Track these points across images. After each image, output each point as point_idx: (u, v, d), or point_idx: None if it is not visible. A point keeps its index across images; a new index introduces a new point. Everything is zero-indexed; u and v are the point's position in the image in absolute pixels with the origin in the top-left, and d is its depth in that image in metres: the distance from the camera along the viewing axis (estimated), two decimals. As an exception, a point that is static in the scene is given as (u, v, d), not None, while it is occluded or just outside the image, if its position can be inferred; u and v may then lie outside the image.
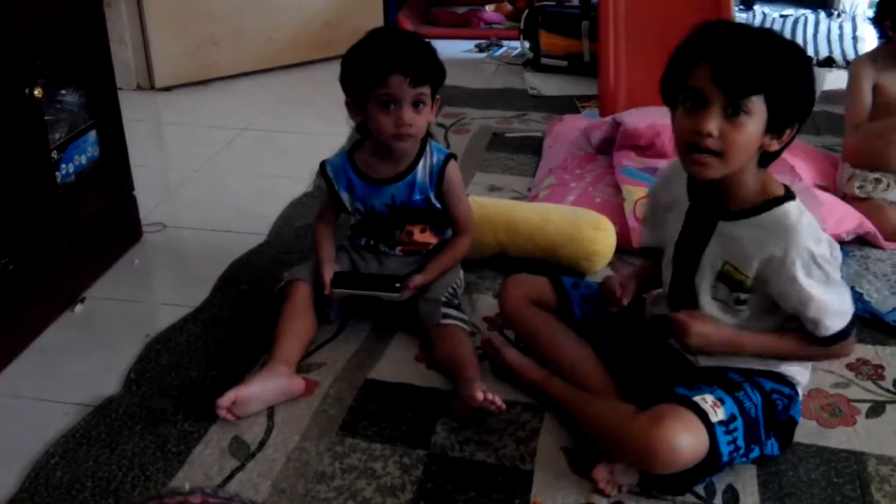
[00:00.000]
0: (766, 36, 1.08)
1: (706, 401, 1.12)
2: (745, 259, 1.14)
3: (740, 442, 1.13)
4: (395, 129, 1.41)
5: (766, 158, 1.13)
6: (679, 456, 1.09)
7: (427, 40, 1.47)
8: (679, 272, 1.23)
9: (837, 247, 1.15)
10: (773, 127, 1.08)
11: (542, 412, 1.32)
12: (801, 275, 1.10)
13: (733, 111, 1.05)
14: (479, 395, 1.24)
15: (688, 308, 1.21)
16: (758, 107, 1.05)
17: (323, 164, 1.55)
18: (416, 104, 1.41)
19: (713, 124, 1.05)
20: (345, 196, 1.53)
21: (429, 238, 1.55)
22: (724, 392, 1.15)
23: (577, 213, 1.76)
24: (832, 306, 1.13)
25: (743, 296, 1.16)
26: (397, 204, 1.50)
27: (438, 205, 1.51)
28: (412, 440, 1.26)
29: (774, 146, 1.11)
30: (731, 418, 1.13)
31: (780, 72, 1.05)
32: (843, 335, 1.15)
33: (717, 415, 1.11)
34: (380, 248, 1.56)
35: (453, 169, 1.51)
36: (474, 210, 1.61)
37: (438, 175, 1.49)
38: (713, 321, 1.18)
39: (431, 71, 1.42)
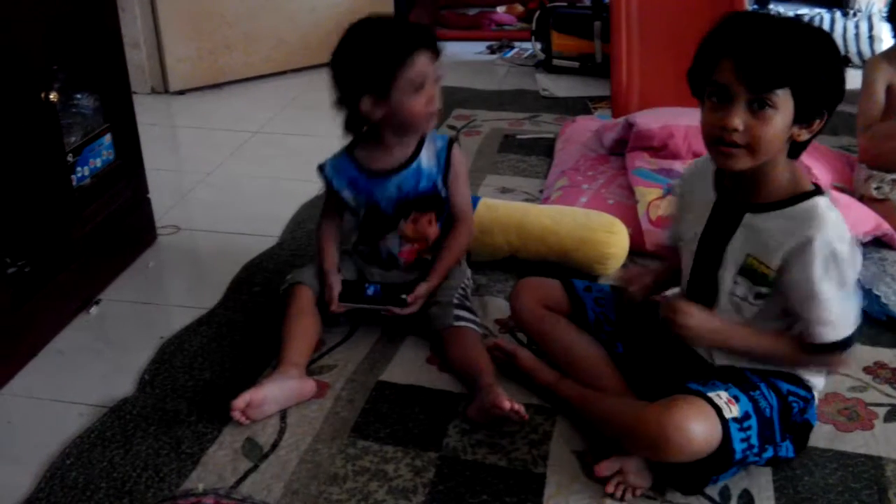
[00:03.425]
0: (790, 27, 1.07)
1: (720, 397, 1.11)
2: (770, 250, 1.12)
3: (754, 440, 1.12)
4: (428, 108, 1.39)
5: (795, 148, 1.12)
6: (691, 442, 1.07)
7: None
8: (700, 267, 1.22)
9: (860, 253, 1.13)
10: (802, 118, 1.07)
11: (554, 415, 1.31)
12: (817, 268, 1.08)
13: (759, 105, 1.04)
14: (507, 405, 1.23)
15: (705, 304, 1.19)
16: (784, 100, 1.04)
17: (321, 166, 1.52)
18: (437, 80, 1.39)
19: (738, 120, 1.05)
20: (347, 194, 1.50)
21: (434, 231, 1.51)
22: (738, 390, 1.13)
23: (589, 216, 1.75)
24: (833, 313, 1.10)
25: (763, 290, 1.14)
26: (404, 193, 1.47)
27: (444, 192, 1.49)
28: (424, 442, 1.26)
29: (804, 136, 1.10)
30: (746, 416, 1.11)
31: (805, 64, 1.04)
32: (834, 347, 1.12)
33: (732, 411, 1.10)
34: (382, 255, 1.53)
35: (458, 153, 1.50)
36: (485, 213, 1.60)
37: (445, 160, 1.47)
38: (706, 310, 1.16)
39: (437, 42, 1.39)
